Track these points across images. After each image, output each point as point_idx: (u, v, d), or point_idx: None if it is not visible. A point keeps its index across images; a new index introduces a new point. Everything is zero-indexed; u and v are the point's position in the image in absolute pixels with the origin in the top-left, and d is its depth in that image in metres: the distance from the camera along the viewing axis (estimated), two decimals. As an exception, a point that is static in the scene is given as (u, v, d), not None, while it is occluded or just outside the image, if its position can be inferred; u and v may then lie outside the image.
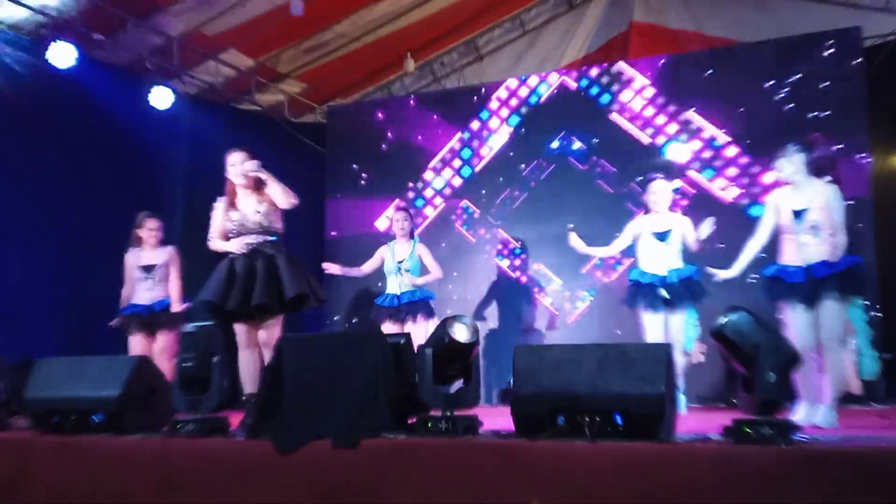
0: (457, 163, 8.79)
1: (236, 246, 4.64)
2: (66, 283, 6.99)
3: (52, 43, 6.77)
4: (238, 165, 4.70)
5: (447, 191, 8.82)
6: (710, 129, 7.78)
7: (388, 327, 6.29)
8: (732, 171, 7.68)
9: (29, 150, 6.99)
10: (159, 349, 5.97)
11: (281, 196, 4.65)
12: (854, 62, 7.28)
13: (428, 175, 8.89)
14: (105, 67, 7.54)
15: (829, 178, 4.41)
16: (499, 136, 8.65)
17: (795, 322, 4.31)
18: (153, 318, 6.06)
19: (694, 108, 7.83)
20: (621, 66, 8.26)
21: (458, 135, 8.79)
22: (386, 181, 8.98)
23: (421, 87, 9.82)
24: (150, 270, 6.15)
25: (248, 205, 4.72)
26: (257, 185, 4.72)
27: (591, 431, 2.85)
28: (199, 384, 3.55)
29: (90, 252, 6.24)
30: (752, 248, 4.67)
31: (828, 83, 7.31)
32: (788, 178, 4.48)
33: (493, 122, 8.69)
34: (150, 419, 3.70)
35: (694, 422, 4.34)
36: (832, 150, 4.50)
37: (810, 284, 4.30)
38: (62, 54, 6.80)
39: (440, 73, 9.76)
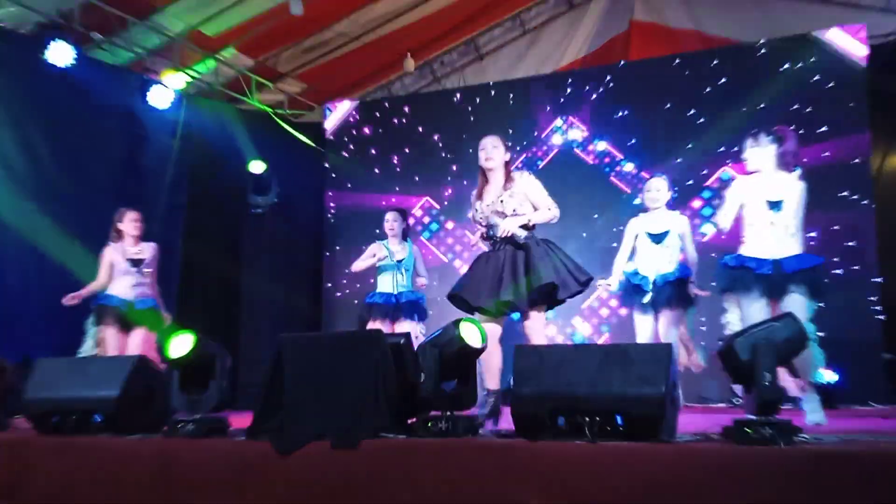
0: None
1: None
2: (65, 283, 6.98)
3: (52, 42, 6.75)
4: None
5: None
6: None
7: (379, 326, 6.08)
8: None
9: (28, 149, 6.98)
10: (135, 345, 5.84)
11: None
12: (854, 62, 7.26)
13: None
14: (104, 67, 7.53)
15: (798, 171, 4.31)
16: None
17: (753, 315, 4.10)
18: (132, 314, 5.94)
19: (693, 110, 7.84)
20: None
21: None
22: (386, 181, 8.97)
23: (421, 87, 9.81)
24: (138, 264, 6.03)
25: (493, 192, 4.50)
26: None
27: (592, 432, 2.84)
28: (199, 385, 3.55)
29: (90, 252, 6.22)
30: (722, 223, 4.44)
31: (828, 83, 7.30)
32: (757, 167, 4.34)
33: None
34: (149, 419, 3.68)
35: (694, 422, 4.33)
36: (798, 145, 4.41)
37: (778, 278, 4.18)
38: (61, 54, 6.78)
39: (440, 73, 9.75)
